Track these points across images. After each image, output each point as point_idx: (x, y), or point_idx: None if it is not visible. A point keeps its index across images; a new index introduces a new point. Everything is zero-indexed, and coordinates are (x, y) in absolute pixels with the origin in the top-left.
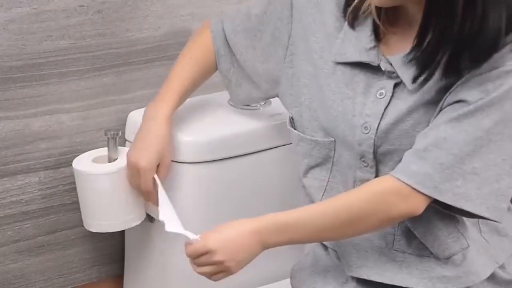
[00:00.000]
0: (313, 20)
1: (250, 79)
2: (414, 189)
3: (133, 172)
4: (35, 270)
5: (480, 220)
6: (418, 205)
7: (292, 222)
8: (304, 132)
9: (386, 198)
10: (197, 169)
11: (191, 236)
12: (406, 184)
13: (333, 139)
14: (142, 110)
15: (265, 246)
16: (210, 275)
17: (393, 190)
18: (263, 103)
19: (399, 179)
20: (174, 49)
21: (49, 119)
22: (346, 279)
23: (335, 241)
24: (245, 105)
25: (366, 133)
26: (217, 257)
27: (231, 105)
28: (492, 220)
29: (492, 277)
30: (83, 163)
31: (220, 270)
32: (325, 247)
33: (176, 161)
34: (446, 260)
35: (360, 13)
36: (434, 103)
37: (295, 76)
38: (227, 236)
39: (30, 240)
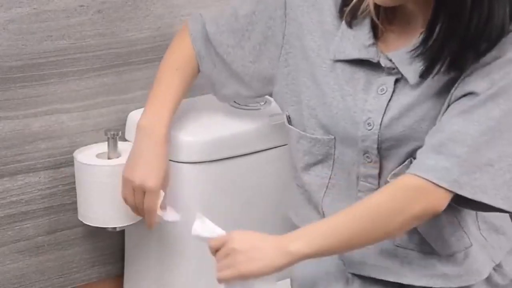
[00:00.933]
0: (310, 19)
1: (240, 78)
2: (434, 183)
3: (138, 192)
4: (35, 270)
5: (479, 217)
6: (440, 201)
7: (319, 227)
8: (304, 130)
9: (408, 194)
10: (197, 169)
11: (220, 231)
12: (426, 179)
13: (333, 137)
14: (142, 110)
15: (289, 254)
16: (219, 270)
17: (415, 187)
18: (263, 103)
19: (418, 176)
20: None
21: (49, 119)
22: (348, 279)
23: None
24: (245, 105)
25: (370, 129)
26: (232, 244)
27: (231, 105)
28: (508, 212)
29: (489, 280)
30: (85, 156)
31: (229, 264)
32: None
33: (176, 161)
34: (448, 257)
35: (359, 13)
36: (439, 97)
37: (291, 75)
38: (252, 232)
39: (30, 240)
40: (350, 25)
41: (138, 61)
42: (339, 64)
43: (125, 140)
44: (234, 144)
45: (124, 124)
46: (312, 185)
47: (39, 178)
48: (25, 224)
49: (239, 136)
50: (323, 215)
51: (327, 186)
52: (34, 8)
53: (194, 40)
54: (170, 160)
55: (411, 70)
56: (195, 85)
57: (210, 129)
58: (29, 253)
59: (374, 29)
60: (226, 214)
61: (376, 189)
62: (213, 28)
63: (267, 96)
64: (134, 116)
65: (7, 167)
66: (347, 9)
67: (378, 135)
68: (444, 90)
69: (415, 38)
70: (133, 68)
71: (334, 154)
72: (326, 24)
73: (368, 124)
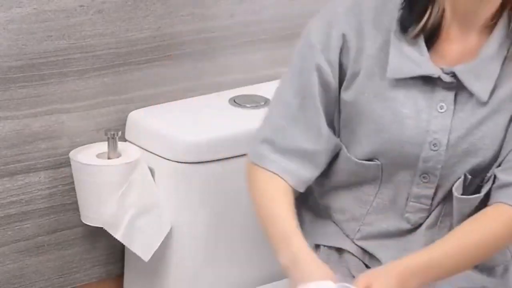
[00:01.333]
0: (356, 51)
1: (322, 153)
2: None
3: None
4: (35, 270)
5: None
6: None
7: (433, 263)
8: (350, 153)
9: None
10: (197, 169)
11: None
12: None
13: (379, 163)
14: (142, 110)
15: None
16: None
17: None
18: (263, 102)
19: None
20: (174, 49)
21: (49, 119)
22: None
23: (366, 248)
24: (245, 105)
25: (435, 150)
26: None
27: (231, 105)
28: None
29: None
30: (85, 156)
31: None
32: (340, 251)
33: (176, 161)
34: (487, 270)
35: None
36: (500, 113)
37: (346, 109)
38: (389, 283)
39: (30, 240)
40: (404, 41)
41: (138, 61)
42: (396, 85)
43: (125, 140)
44: (234, 144)
45: (124, 124)
46: (351, 203)
47: (39, 178)
48: (25, 224)
49: (239, 136)
50: (355, 234)
51: (371, 205)
52: (34, 8)
53: (279, 172)
54: (170, 160)
55: (479, 85)
56: (195, 85)
57: (209, 129)
58: (29, 253)
59: (428, 41)
60: (226, 214)
61: (428, 209)
62: (277, 135)
63: (266, 96)
64: (134, 116)
65: (7, 167)
66: (427, 26)
67: (444, 155)
68: (506, 105)
69: (479, 50)
70: (133, 68)
71: (381, 177)
72: (369, 49)
73: (433, 145)
